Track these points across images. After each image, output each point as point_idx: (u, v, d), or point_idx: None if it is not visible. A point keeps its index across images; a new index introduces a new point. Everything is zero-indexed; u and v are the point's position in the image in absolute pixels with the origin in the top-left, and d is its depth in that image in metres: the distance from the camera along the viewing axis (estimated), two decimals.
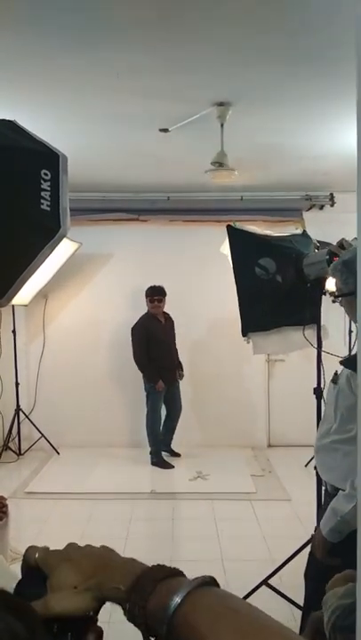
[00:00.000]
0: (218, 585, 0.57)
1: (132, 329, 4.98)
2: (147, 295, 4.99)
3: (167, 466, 4.96)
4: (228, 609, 0.53)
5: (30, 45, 2.39)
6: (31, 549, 0.64)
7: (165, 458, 5.08)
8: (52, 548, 0.65)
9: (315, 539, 1.67)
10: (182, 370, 5.15)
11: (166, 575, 0.58)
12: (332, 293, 1.76)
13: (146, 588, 0.56)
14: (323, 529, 1.61)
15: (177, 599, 0.53)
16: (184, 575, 0.59)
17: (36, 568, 0.62)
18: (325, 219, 5.15)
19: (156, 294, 4.97)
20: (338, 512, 1.56)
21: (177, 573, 0.59)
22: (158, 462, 4.99)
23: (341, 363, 1.71)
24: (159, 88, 2.91)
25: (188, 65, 2.64)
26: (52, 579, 0.61)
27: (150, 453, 5.05)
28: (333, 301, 1.80)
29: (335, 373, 1.72)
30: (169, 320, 5.13)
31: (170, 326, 5.12)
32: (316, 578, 1.70)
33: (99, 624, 0.63)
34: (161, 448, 5.11)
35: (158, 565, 0.60)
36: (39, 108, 3.12)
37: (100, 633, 0.61)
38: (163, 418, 5.16)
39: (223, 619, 0.51)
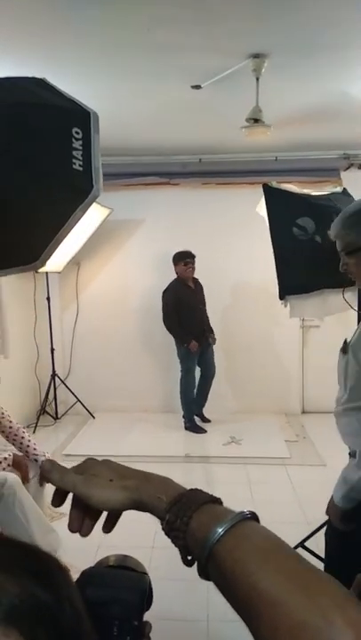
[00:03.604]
0: (259, 521, 0.56)
1: (164, 292, 4.95)
2: (179, 259, 4.89)
3: (200, 430, 4.98)
4: (278, 549, 0.51)
5: None
6: (55, 468, 0.65)
7: (195, 437, 4.99)
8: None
9: (329, 504, 1.67)
10: (213, 333, 5.08)
11: (210, 500, 0.57)
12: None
13: (190, 505, 0.56)
14: (335, 496, 1.61)
15: (222, 528, 0.52)
16: (222, 503, 0.59)
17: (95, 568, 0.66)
18: None
19: (188, 257, 4.88)
20: (348, 480, 1.55)
21: (218, 501, 0.58)
22: (191, 427, 5.02)
23: None
24: (191, 41, 2.78)
25: (220, 14, 2.50)
26: (86, 472, 0.63)
27: (183, 417, 5.08)
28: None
29: (345, 342, 1.65)
30: (198, 285, 5.06)
31: (199, 291, 5.05)
32: (336, 537, 1.71)
33: (140, 549, 0.64)
34: (194, 412, 5.12)
35: (200, 489, 0.59)
36: (65, 66, 3.03)
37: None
38: (197, 382, 5.15)
39: (273, 558, 0.49)
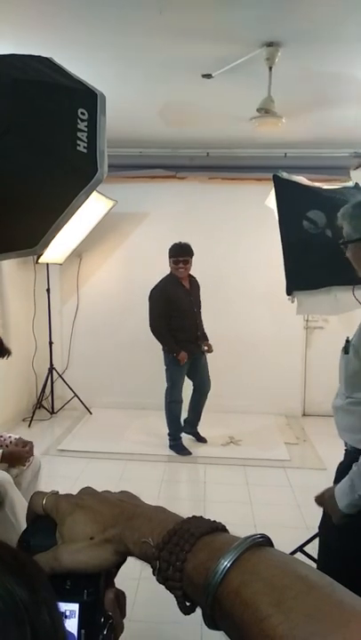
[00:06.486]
0: (272, 545, 0.44)
1: (151, 292, 4.27)
2: (170, 255, 4.19)
3: (185, 452, 4.35)
4: (297, 580, 0.39)
5: None
6: (38, 494, 0.53)
7: (191, 441, 4.56)
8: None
9: (325, 497, 1.61)
10: (207, 340, 4.45)
11: (207, 530, 0.45)
12: (342, 241, 1.66)
13: (182, 545, 0.44)
14: (339, 502, 1.52)
15: (225, 563, 0.41)
16: (227, 531, 0.46)
17: (44, 516, 0.52)
18: None
19: (181, 255, 4.15)
20: (357, 488, 1.46)
21: (219, 528, 0.46)
22: (175, 446, 4.40)
23: None
24: (204, 27, 2.70)
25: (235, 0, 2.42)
26: (62, 528, 0.50)
27: (168, 435, 4.47)
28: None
29: (347, 341, 1.63)
30: (194, 284, 4.39)
31: (195, 292, 4.39)
32: (330, 529, 1.65)
33: (128, 580, 0.52)
34: (180, 430, 4.50)
35: (195, 517, 0.47)
36: (73, 49, 2.94)
37: (120, 592, 0.50)
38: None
39: (293, 595, 0.38)
